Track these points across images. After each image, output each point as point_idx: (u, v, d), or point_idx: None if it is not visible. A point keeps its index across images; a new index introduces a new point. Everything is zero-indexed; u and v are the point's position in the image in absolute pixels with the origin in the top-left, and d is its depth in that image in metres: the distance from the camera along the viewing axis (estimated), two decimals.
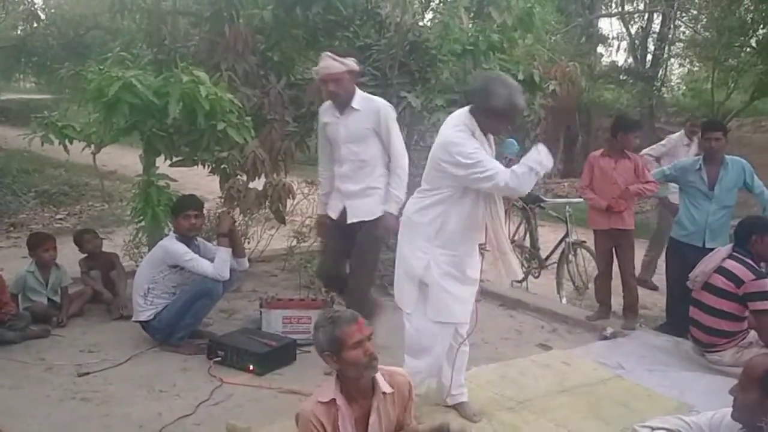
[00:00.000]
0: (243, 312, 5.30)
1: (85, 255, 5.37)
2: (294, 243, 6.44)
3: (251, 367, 4.19)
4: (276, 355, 4.31)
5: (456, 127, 3.40)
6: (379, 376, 2.72)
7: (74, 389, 3.94)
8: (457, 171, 3.33)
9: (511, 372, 4.34)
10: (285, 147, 5.55)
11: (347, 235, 4.25)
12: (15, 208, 9.70)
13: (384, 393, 2.72)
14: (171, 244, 4.55)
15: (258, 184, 5.26)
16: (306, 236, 6.30)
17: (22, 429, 3.46)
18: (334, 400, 2.65)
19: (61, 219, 9.92)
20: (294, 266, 6.34)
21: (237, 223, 5.31)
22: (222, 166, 5.09)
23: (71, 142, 5.27)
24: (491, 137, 3.57)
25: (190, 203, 4.70)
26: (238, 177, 5.16)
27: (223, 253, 4.53)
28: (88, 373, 4.12)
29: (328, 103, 4.31)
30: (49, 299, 4.99)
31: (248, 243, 6.32)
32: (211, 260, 4.51)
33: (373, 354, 2.63)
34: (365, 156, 4.18)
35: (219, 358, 4.29)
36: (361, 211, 4.20)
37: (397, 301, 3.67)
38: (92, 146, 5.15)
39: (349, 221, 4.23)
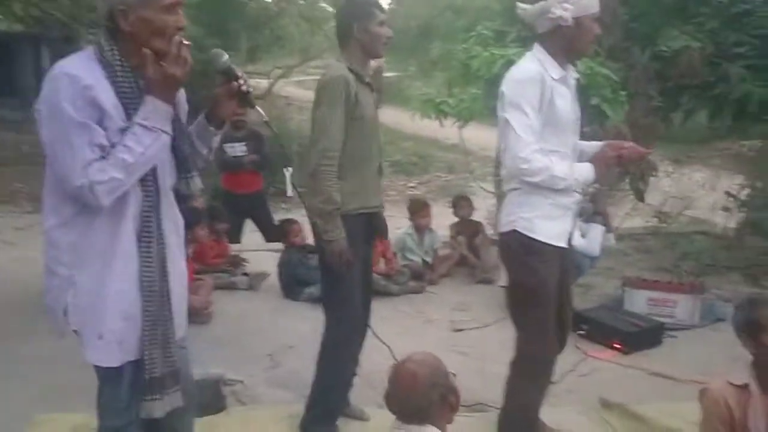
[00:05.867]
0: (599, 288, 5.29)
1: (457, 220, 5.80)
2: (655, 223, 6.22)
3: (616, 345, 4.18)
4: (643, 336, 4.24)
5: None
6: None
7: (451, 342, 4.33)
8: None
9: None
10: (648, 122, 5.39)
11: None
12: None
13: None
14: None
15: None
16: (668, 217, 6.05)
17: None
18: (747, 385, 2.51)
19: (412, 187, 10.91)
20: (650, 247, 6.13)
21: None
22: None
23: (445, 117, 5.76)
24: None
25: None
26: None
27: (597, 231, 4.56)
28: (462, 330, 4.50)
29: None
30: (422, 259, 5.53)
31: None
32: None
33: None
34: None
35: (582, 332, 4.34)
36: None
37: None
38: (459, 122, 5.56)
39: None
